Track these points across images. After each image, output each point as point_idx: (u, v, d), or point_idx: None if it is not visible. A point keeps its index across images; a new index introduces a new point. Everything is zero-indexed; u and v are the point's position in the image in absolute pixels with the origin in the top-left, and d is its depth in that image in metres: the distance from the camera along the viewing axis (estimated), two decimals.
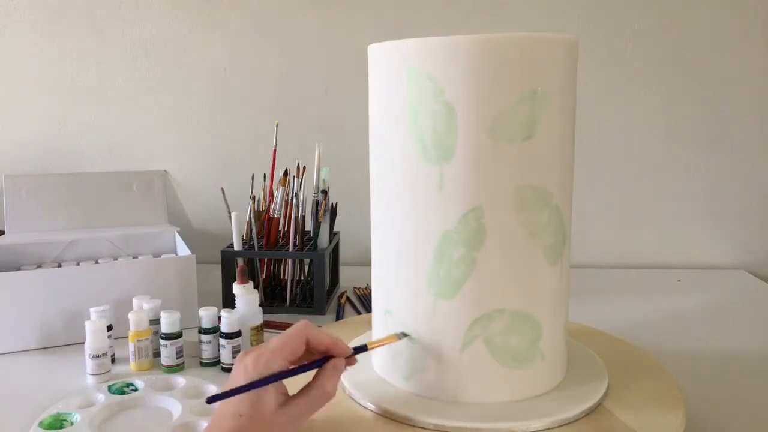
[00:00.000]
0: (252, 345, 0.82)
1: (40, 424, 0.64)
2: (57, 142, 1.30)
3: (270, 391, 0.51)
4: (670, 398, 0.64)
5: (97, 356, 0.76)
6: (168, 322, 0.78)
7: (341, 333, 0.83)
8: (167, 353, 0.78)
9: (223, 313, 0.79)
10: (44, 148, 1.31)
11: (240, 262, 1.01)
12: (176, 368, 0.78)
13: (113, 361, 0.82)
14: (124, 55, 1.27)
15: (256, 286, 1.01)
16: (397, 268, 0.65)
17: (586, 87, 1.21)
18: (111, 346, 0.79)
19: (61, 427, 0.65)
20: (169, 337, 0.78)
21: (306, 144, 1.06)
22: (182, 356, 0.79)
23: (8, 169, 1.28)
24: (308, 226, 1.03)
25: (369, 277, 0.73)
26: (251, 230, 1.02)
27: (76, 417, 0.66)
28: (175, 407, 0.68)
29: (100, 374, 0.76)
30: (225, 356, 0.78)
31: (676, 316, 0.98)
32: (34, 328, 0.86)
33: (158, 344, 0.79)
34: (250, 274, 1.03)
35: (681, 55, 1.20)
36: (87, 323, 0.77)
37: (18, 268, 1.00)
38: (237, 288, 0.82)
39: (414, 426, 0.60)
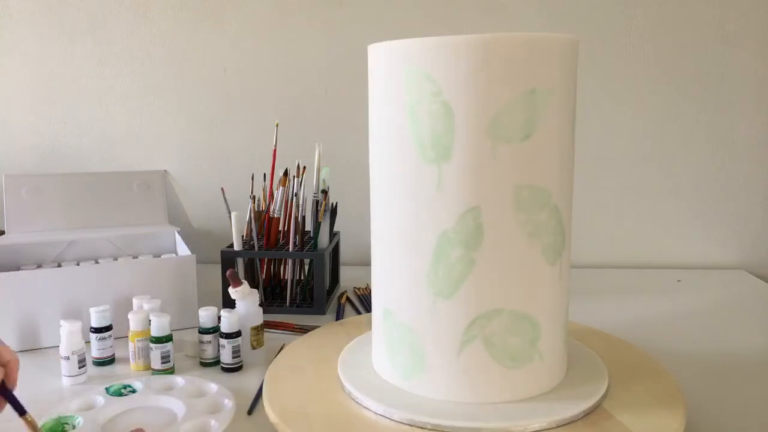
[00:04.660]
0: (252, 345, 0.82)
1: (42, 428, 0.64)
2: (57, 142, 1.30)
3: None
4: (670, 398, 0.64)
5: (67, 357, 0.76)
6: (157, 326, 0.77)
7: (341, 333, 0.83)
8: (154, 356, 0.78)
9: (223, 313, 0.79)
10: (44, 148, 1.31)
11: (240, 262, 1.01)
12: (164, 372, 0.78)
13: (113, 361, 0.82)
14: (124, 55, 1.27)
15: (255, 286, 1.01)
16: (396, 268, 0.65)
17: (586, 87, 1.21)
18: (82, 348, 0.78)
19: (64, 431, 0.64)
20: (158, 340, 0.77)
21: (306, 144, 1.06)
22: (169, 360, 0.78)
23: (8, 169, 1.29)
24: (308, 226, 1.03)
25: (369, 277, 0.73)
26: (251, 230, 1.02)
27: (79, 420, 0.65)
28: (178, 407, 0.68)
29: (73, 376, 0.76)
30: (225, 356, 0.78)
31: (676, 316, 0.98)
32: (34, 329, 0.86)
33: None
34: (251, 274, 1.03)
35: (681, 54, 1.20)
36: (62, 323, 0.76)
37: (18, 268, 1.00)
38: (233, 292, 0.81)
39: (413, 426, 0.60)
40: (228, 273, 0.82)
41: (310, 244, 1.02)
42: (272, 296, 1.04)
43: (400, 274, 0.65)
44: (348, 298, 1.06)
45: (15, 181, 1.09)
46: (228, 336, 0.78)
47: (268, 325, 0.92)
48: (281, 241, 1.04)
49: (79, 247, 1.06)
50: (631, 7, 1.19)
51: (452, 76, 0.58)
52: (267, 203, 1.03)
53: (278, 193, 1.01)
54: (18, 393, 0.73)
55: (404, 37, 0.61)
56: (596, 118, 1.23)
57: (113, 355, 0.82)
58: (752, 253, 1.26)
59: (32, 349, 0.86)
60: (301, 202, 1.00)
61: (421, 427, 0.59)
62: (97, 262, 1.04)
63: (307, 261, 1.04)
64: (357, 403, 0.64)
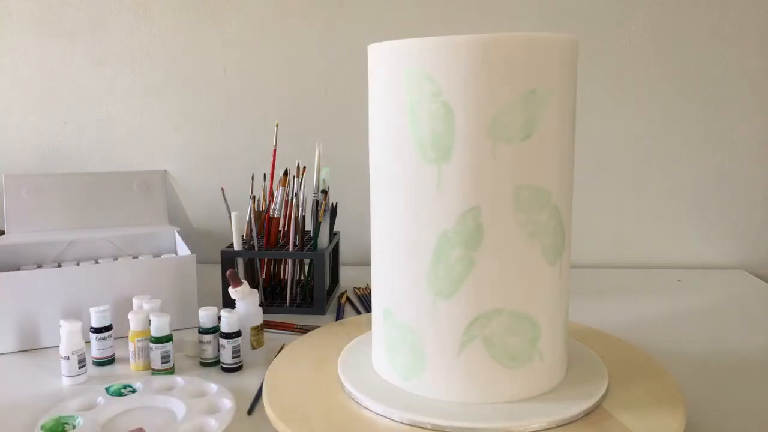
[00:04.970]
0: (252, 345, 0.82)
1: (42, 428, 0.64)
2: (57, 142, 1.30)
3: None
4: (670, 398, 0.64)
5: (67, 357, 0.76)
6: (157, 326, 0.77)
7: (341, 333, 0.83)
8: (154, 356, 0.78)
9: (223, 313, 0.79)
10: (44, 148, 1.31)
11: (240, 262, 1.01)
12: (164, 372, 0.78)
13: (113, 361, 0.82)
14: (124, 55, 1.27)
15: (255, 286, 1.01)
16: (396, 268, 0.65)
17: (586, 87, 1.21)
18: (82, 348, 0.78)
19: (64, 431, 0.64)
20: (158, 340, 0.77)
21: (306, 144, 1.06)
22: (169, 360, 0.78)
23: (8, 169, 1.29)
24: (308, 226, 1.03)
25: (369, 277, 0.73)
26: (251, 230, 1.02)
27: (79, 420, 0.65)
28: (178, 407, 0.68)
29: (73, 376, 0.76)
30: (225, 356, 0.78)
31: (676, 316, 0.98)
32: (34, 329, 0.86)
33: None
34: (251, 274, 1.03)
35: (681, 54, 1.20)
36: (62, 323, 0.77)
37: (18, 268, 1.00)
38: (233, 292, 0.81)
39: (413, 426, 0.60)
40: (228, 273, 0.82)
41: (310, 244, 1.02)
42: (272, 296, 1.04)
43: (400, 274, 0.65)
44: (348, 298, 1.06)
45: (15, 181, 1.09)
46: (228, 336, 0.78)
47: (268, 325, 0.92)
48: (281, 241, 1.04)
49: (79, 247, 1.06)
50: (631, 7, 1.19)
51: (452, 76, 0.58)
52: (267, 203, 1.03)
53: (278, 193, 1.01)
54: (18, 392, 0.74)
55: (404, 37, 0.61)
56: (596, 118, 1.23)
57: (113, 355, 0.82)
58: (752, 253, 1.26)
59: (32, 349, 0.86)
60: (301, 202, 1.00)
61: (421, 427, 0.59)
62: (97, 262, 1.04)
63: (307, 261, 1.04)
64: (357, 403, 0.64)
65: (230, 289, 0.82)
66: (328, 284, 1.03)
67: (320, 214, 1.00)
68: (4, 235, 1.07)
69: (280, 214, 1.01)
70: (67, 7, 1.26)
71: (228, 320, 0.78)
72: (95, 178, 1.15)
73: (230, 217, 1.00)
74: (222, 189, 1.06)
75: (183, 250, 1.04)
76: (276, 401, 0.65)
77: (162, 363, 0.77)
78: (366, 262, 1.18)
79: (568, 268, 0.66)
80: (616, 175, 1.25)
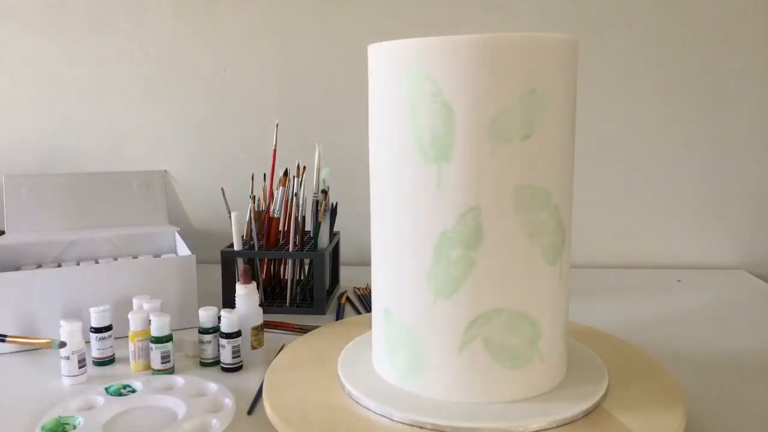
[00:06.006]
0: (252, 345, 0.82)
1: (42, 428, 0.64)
2: (57, 142, 1.30)
3: None
4: (670, 398, 0.64)
5: (67, 357, 0.76)
6: (157, 326, 0.77)
7: (341, 333, 0.83)
8: (154, 356, 0.78)
9: (223, 313, 0.79)
10: (44, 148, 1.31)
11: (240, 262, 1.01)
12: (164, 372, 0.78)
13: (113, 361, 0.82)
14: (124, 55, 1.27)
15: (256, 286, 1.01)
16: (396, 268, 0.65)
17: (586, 87, 1.21)
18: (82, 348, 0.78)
19: (64, 431, 0.64)
20: (158, 340, 0.77)
21: (306, 144, 1.06)
22: (169, 360, 0.78)
23: (8, 169, 1.29)
24: (308, 226, 1.03)
25: (369, 277, 0.73)
26: (251, 230, 1.02)
27: (80, 420, 0.65)
28: (178, 407, 0.68)
29: (73, 376, 0.76)
30: (225, 356, 0.78)
31: (676, 316, 0.98)
32: (34, 329, 0.86)
33: None
34: (251, 274, 1.03)
35: (681, 55, 1.20)
36: (62, 323, 0.77)
37: (18, 268, 1.00)
38: (240, 288, 0.82)
39: (413, 426, 0.60)
40: (243, 268, 0.82)
41: (310, 244, 1.02)
42: (272, 296, 1.04)
43: (400, 274, 0.65)
44: (348, 298, 1.06)
45: (15, 181, 1.09)
46: (228, 336, 0.78)
47: (268, 325, 0.92)
48: (281, 241, 1.04)
49: (79, 247, 1.06)
50: (631, 7, 1.19)
51: (452, 76, 0.58)
52: (267, 203, 1.03)
53: (278, 193, 1.01)
54: (18, 392, 0.74)
55: (404, 37, 0.61)
56: (596, 118, 1.23)
57: (113, 355, 0.82)
58: (752, 253, 1.26)
59: (32, 350, 0.86)
60: (301, 202, 1.00)
61: (421, 427, 0.59)
62: (97, 262, 1.04)
63: (307, 261, 1.04)
64: (357, 403, 0.64)
65: (238, 284, 0.82)
66: (328, 284, 1.03)
67: (320, 214, 1.00)
68: (4, 235, 1.07)
69: (280, 214, 1.01)
70: (67, 7, 1.26)
71: (228, 320, 0.78)
72: (95, 178, 1.15)
73: (230, 217, 1.00)
74: (222, 189, 1.06)
75: (183, 250, 1.04)
76: (276, 401, 0.65)
77: (162, 363, 0.77)
78: (366, 262, 1.18)
79: (568, 268, 0.66)
80: (616, 175, 1.25)
